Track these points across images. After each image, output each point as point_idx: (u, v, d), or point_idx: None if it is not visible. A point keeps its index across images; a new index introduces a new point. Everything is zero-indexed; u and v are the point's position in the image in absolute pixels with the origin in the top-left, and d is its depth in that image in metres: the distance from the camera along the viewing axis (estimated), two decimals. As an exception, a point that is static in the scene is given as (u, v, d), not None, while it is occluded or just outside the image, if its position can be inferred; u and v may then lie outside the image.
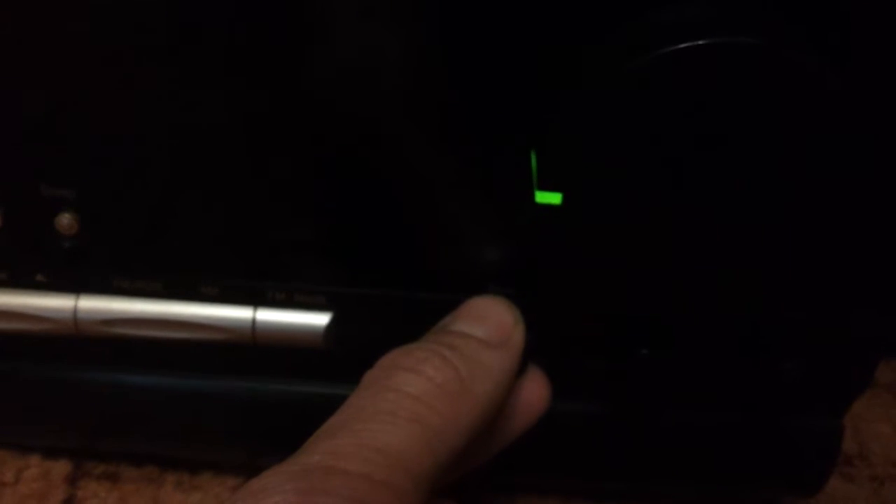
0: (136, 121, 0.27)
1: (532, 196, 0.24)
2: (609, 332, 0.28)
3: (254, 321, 0.29)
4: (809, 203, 0.25)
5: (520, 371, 0.27)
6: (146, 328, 0.30)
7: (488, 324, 0.26)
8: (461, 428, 0.23)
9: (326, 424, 0.23)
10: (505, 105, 0.24)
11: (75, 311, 0.30)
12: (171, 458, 0.37)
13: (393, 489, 0.21)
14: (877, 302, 0.29)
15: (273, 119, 0.26)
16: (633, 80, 0.22)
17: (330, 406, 0.32)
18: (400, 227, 0.28)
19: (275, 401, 0.33)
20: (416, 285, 0.29)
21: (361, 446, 0.21)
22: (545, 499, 0.36)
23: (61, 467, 0.36)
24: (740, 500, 0.36)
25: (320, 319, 0.29)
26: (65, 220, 0.28)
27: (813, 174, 0.24)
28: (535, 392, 0.28)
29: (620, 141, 0.23)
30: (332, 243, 0.28)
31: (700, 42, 0.22)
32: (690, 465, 0.32)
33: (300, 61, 0.25)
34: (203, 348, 0.30)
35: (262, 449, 0.33)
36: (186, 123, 0.27)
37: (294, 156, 0.27)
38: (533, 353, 0.27)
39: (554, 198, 0.23)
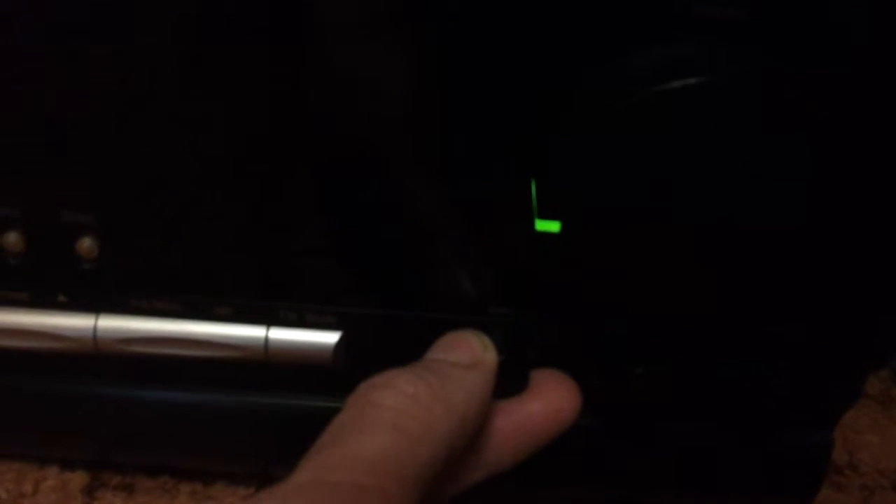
0: (153, 148, 0.28)
1: (532, 224, 0.25)
2: (605, 352, 0.29)
3: (266, 340, 0.31)
4: (797, 224, 0.26)
5: (520, 387, 0.29)
6: (163, 346, 0.31)
7: (458, 350, 0.28)
8: (439, 432, 0.24)
9: (314, 445, 0.24)
10: (505, 138, 0.26)
11: (95, 330, 0.31)
12: (185, 469, 0.38)
13: (380, 492, 0.22)
14: (864, 316, 0.30)
15: (286, 145, 0.27)
16: (624, 116, 0.24)
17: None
18: (406, 252, 0.29)
19: (286, 414, 0.34)
20: (421, 306, 0.30)
21: (346, 457, 0.23)
22: (546, 507, 0.37)
23: (78, 479, 0.38)
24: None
25: (330, 338, 0.31)
26: (85, 243, 0.29)
27: (801, 199, 0.26)
28: (554, 401, 0.29)
29: (616, 173, 0.24)
30: (341, 265, 0.30)
31: (687, 81, 0.23)
32: (685, 477, 0.33)
33: (311, 90, 0.26)
34: (217, 364, 0.32)
35: (274, 460, 0.34)
36: (202, 149, 0.28)
37: (305, 182, 0.28)
38: (529, 370, 0.29)
39: (553, 226, 0.25)
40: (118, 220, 0.29)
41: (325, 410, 0.33)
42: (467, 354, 0.28)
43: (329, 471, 0.22)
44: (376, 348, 0.31)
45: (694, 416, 0.31)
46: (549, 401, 0.29)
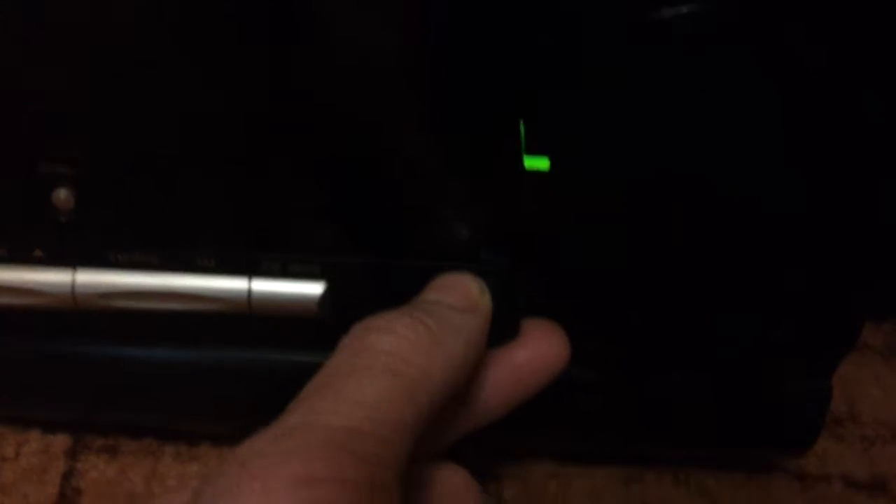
0: (131, 96, 0.27)
1: (521, 162, 0.24)
2: (599, 298, 0.28)
3: (249, 291, 0.30)
4: (795, 166, 0.25)
5: (511, 335, 0.28)
6: (143, 300, 0.30)
7: (454, 293, 0.27)
8: (437, 380, 0.24)
9: (305, 388, 0.23)
10: (493, 74, 0.25)
11: (73, 285, 0.30)
12: (169, 431, 0.37)
13: (376, 438, 0.21)
14: (861, 264, 0.29)
15: (266, 91, 0.26)
16: (614, 47, 0.23)
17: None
18: (393, 197, 0.28)
19: (271, 370, 0.33)
20: (409, 253, 0.29)
21: (340, 401, 0.22)
22: (540, 462, 0.36)
23: (61, 441, 0.37)
24: (734, 460, 0.36)
25: (315, 289, 0.30)
26: (61, 195, 0.28)
27: (797, 143, 0.25)
28: (544, 350, 0.29)
29: (606, 105, 0.23)
30: (325, 213, 0.29)
31: (679, 10, 0.22)
32: (682, 428, 0.32)
33: (289, 39, 0.25)
34: (199, 319, 0.31)
35: (260, 419, 0.33)
36: (180, 97, 0.27)
37: (287, 128, 0.27)
38: (523, 317, 0.28)
39: (542, 163, 0.24)
40: (95, 171, 0.28)
41: (312, 366, 0.33)
42: (465, 298, 0.27)
43: (322, 414, 0.22)
44: (362, 298, 0.30)
45: (690, 366, 0.30)
46: (539, 349, 0.29)
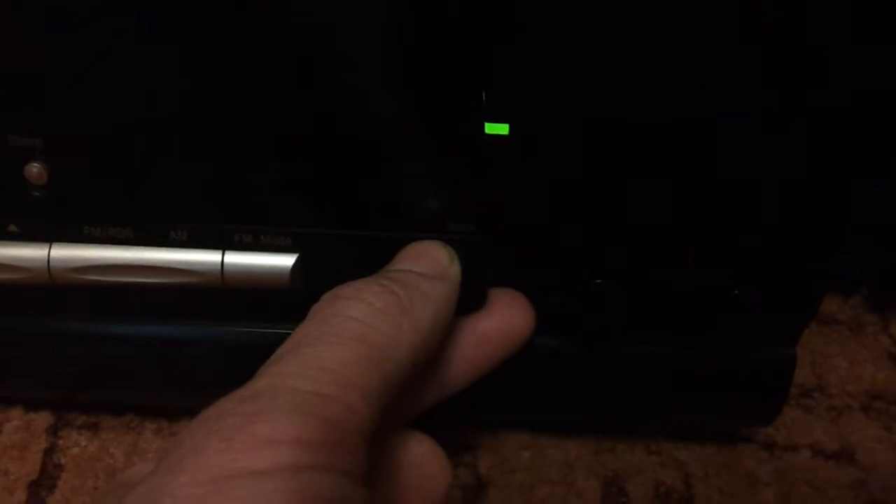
0: (101, 68, 0.27)
1: (482, 128, 0.24)
2: (564, 264, 0.29)
3: (222, 264, 0.30)
4: (755, 130, 0.26)
5: (478, 304, 0.29)
6: (118, 274, 0.31)
7: (424, 260, 0.28)
8: (404, 347, 0.24)
9: (275, 354, 0.24)
10: (452, 43, 0.25)
11: (48, 259, 0.30)
12: (150, 407, 0.38)
13: (342, 403, 0.21)
14: (822, 232, 0.30)
15: (236, 66, 0.27)
16: (572, 9, 0.23)
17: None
18: (359, 168, 0.28)
19: (247, 345, 0.34)
20: (379, 225, 0.30)
21: (308, 366, 0.22)
22: (514, 434, 0.37)
23: (43, 419, 0.37)
24: (702, 429, 0.37)
25: (286, 261, 0.30)
26: (34, 169, 0.29)
27: (757, 107, 0.25)
28: (510, 319, 0.29)
29: (564, 71, 0.24)
30: (296, 186, 0.29)
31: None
32: (647, 397, 0.33)
33: (256, 12, 0.26)
34: (177, 295, 0.31)
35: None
36: (150, 70, 0.27)
37: (255, 100, 0.28)
38: (490, 286, 0.28)
39: (502, 128, 0.24)
40: (66, 144, 0.29)
41: (286, 338, 0.33)
42: (434, 266, 0.27)
43: (289, 378, 0.22)
44: (334, 269, 0.30)
45: (654, 334, 0.31)
46: (505, 318, 0.29)
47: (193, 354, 0.34)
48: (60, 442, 0.37)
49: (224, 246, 0.30)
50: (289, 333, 0.33)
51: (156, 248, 0.31)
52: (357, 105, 0.27)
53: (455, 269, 0.28)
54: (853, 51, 0.25)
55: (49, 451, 0.36)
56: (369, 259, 0.30)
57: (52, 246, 0.31)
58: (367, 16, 0.25)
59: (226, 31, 0.26)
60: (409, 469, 0.27)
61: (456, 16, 0.25)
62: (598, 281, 0.29)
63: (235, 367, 0.34)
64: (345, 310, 0.24)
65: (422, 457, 0.28)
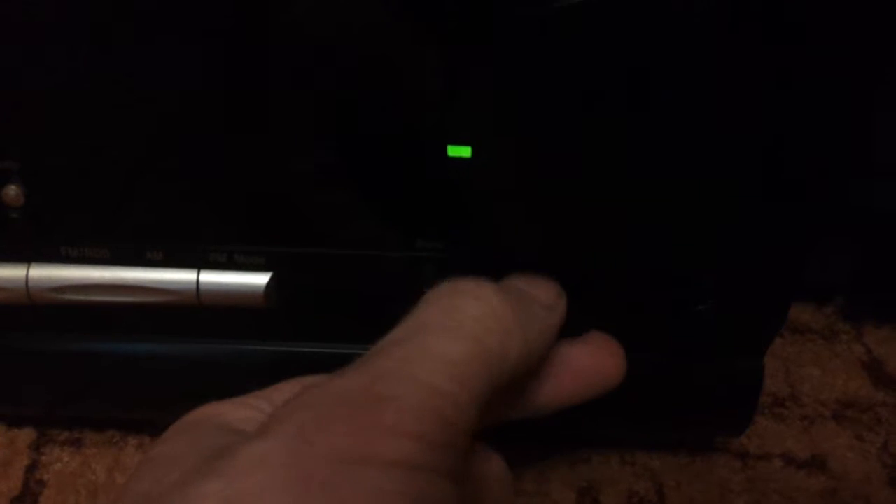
0: (77, 91, 0.28)
1: (444, 150, 0.25)
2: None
3: (198, 283, 0.31)
4: (714, 147, 0.26)
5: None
6: (96, 294, 0.31)
7: (540, 288, 0.28)
8: (512, 357, 0.24)
9: (393, 334, 0.24)
10: (414, 67, 0.26)
11: (27, 279, 0.31)
12: (132, 422, 0.38)
13: (456, 402, 0.21)
14: (788, 242, 0.30)
15: (209, 88, 0.27)
16: (531, 33, 0.24)
17: (281, 363, 0.33)
18: (330, 189, 0.29)
19: (228, 360, 0.34)
20: (350, 243, 0.30)
21: (427, 356, 0.22)
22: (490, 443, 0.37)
23: (26, 435, 0.38)
24: (675, 440, 0.37)
25: (261, 279, 0.31)
26: (11, 192, 0.29)
27: (715, 119, 0.26)
28: (603, 361, 0.30)
29: (525, 93, 0.24)
30: (268, 206, 0.30)
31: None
32: (617, 410, 0.33)
33: (224, 38, 0.26)
34: (157, 312, 0.32)
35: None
36: (126, 93, 0.28)
37: (227, 122, 0.28)
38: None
39: (464, 151, 0.25)
40: (43, 167, 0.29)
41: (269, 354, 0.34)
42: (549, 294, 0.28)
43: (414, 365, 0.22)
44: (308, 287, 0.31)
45: (626, 346, 0.31)
46: (597, 359, 0.29)
47: (174, 370, 0.35)
48: (43, 458, 0.37)
49: (199, 265, 0.31)
50: (265, 349, 0.34)
51: (132, 268, 0.31)
52: (325, 127, 0.28)
53: (563, 303, 0.28)
54: (806, 60, 0.26)
55: (31, 468, 0.37)
56: (342, 277, 0.31)
57: (31, 266, 0.31)
58: (333, 40, 0.26)
59: (198, 57, 0.27)
60: (482, 483, 0.27)
61: (420, 40, 0.25)
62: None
63: (217, 382, 0.35)
64: (465, 306, 0.24)
65: (495, 472, 0.28)
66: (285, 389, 0.26)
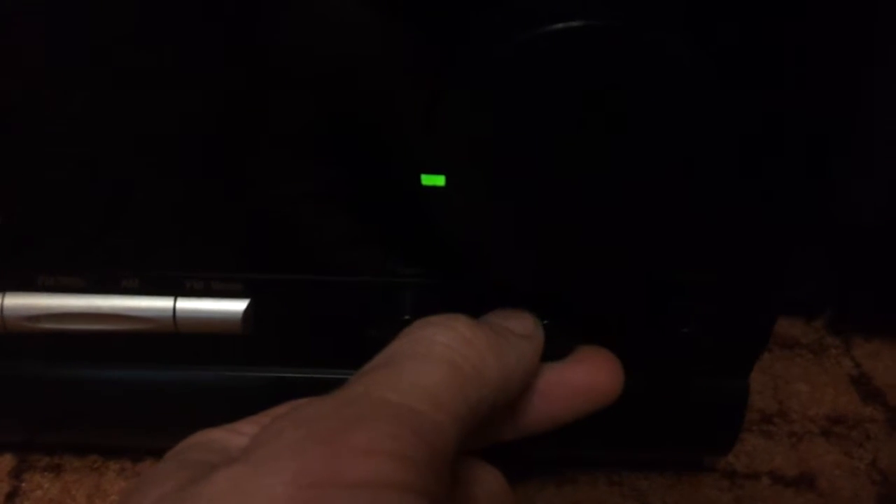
0: (48, 120, 0.27)
1: (418, 180, 0.25)
2: (509, 303, 0.29)
3: (174, 310, 0.30)
4: (688, 173, 0.26)
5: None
6: (71, 322, 0.31)
7: (514, 320, 0.28)
8: (489, 381, 0.24)
9: (366, 366, 0.24)
10: (392, 97, 0.25)
11: (2, 308, 0.31)
12: (113, 448, 0.38)
13: (433, 422, 0.22)
14: (769, 263, 0.30)
15: (183, 115, 0.27)
16: (505, 63, 0.23)
17: (261, 389, 0.33)
18: (307, 215, 0.29)
19: (208, 386, 0.34)
20: (329, 269, 0.30)
21: (402, 380, 0.22)
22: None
23: (6, 462, 0.37)
24: (665, 461, 0.37)
25: (238, 306, 0.30)
26: (-16, 221, 0.29)
27: (688, 146, 0.26)
28: (598, 376, 0.29)
29: (500, 122, 0.24)
30: (246, 232, 0.30)
31: (564, 25, 0.23)
32: (601, 430, 0.33)
33: (203, 69, 0.26)
34: (136, 339, 0.31)
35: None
36: (97, 122, 0.27)
37: (204, 150, 0.28)
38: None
39: (438, 180, 0.24)
40: (16, 195, 0.29)
41: (248, 380, 0.34)
42: (523, 325, 0.28)
43: (386, 389, 0.22)
44: (286, 314, 0.31)
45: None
46: (592, 374, 0.29)
47: (154, 397, 0.35)
48: (24, 485, 0.37)
49: (176, 293, 0.30)
50: (249, 376, 0.34)
51: (109, 296, 0.31)
52: (302, 155, 0.27)
53: (540, 333, 0.28)
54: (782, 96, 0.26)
55: (11, 496, 0.36)
56: (322, 303, 0.31)
57: (6, 295, 0.31)
58: (308, 69, 0.26)
59: (168, 81, 0.26)
60: (479, 500, 0.27)
61: (394, 69, 0.25)
62: (545, 321, 0.29)
63: (197, 408, 0.35)
64: (435, 334, 0.25)
65: (494, 488, 0.27)
66: (278, 413, 0.25)
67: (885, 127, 0.37)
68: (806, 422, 0.39)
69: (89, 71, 0.26)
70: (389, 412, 0.21)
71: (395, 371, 0.23)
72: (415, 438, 0.21)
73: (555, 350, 0.29)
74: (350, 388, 0.22)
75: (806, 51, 0.26)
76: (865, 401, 0.41)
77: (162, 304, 0.31)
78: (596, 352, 0.30)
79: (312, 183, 0.28)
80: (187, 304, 0.31)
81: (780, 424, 0.39)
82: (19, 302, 0.31)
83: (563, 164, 0.25)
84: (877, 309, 0.44)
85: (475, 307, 0.29)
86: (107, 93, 0.27)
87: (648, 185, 0.26)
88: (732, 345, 0.31)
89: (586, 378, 0.29)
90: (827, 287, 0.45)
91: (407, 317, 0.30)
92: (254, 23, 0.25)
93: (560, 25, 0.24)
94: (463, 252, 0.26)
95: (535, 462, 0.37)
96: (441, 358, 0.23)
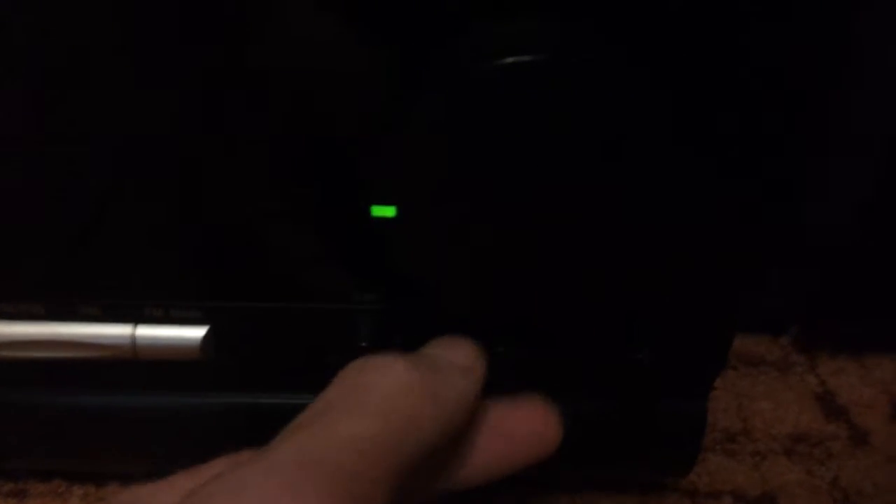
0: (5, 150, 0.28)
1: (368, 210, 0.25)
2: (466, 333, 0.29)
3: (133, 338, 0.30)
4: (642, 198, 0.26)
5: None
6: (31, 350, 0.31)
7: (455, 350, 0.28)
8: (426, 430, 0.24)
9: (299, 418, 0.23)
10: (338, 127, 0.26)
11: (-39, 336, 0.31)
12: (77, 472, 0.38)
13: (368, 479, 0.21)
14: (723, 288, 0.30)
15: (139, 142, 0.27)
16: (455, 95, 0.24)
17: (221, 414, 0.33)
18: (263, 243, 0.29)
19: (168, 412, 0.34)
20: (287, 297, 0.30)
21: (333, 437, 0.22)
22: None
23: (-30, 488, 0.37)
24: (622, 482, 0.37)
25: (197, 333, 0.31)
26: (-59, 250, 0.29)
27: (641, 176, 0.26)
28: (536, 426, 0.29)
29: (451, 153, 0.24)
30: (204, 260, 0.30)
31: (514, 59, 0.24)
32: (562, 453, 0.33)
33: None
34: (96, 366, 0.32)
35: (165, 458, 0.34)
36: (55, 149, 0.28)
37: (159, 180, 0.28)
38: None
39: (388, 211, 0.25)
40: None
41: (208, 406, 0.34)
42: (465, 357, 0.27)
43: (315, 449, 0.22)
44: (245, 341, 0.31)
45: (562, 392, 0.31)
46: (537, 426, 0.29)
47: (117, 423, 0.35)
48: (-13, 511, 0.37)
49: (135, 320, 0.31)
50: (212, 402, 0.34)
51: (67, 323, 0.31)
52: (255, 184, 0.28)
53: (482, 365, 0.28)
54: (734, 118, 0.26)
55: (-25, 522, 0.36)
56: (279, 330, 0.31)
57: (-35, 323, 0.31)
58: (261, 99, 0.26)
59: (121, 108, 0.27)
60: None
61: (342, 102, 0.25)
62: (500, 349, 0.29)
63: (158, 434, 0.35)
64: (371, 383, 0.24)
65: None
66: (217, 466, 0.26)
67: (844, 146, 0.38)
68: (769, 440, 0.40)
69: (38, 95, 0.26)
70: (322, 476, 0.21)
71: (328, 426, 0.23)
72: (349, 499, 0.21)
73: (507, 379, 0.30)
74: (282, 449, 0.22)
75: (756, 73, 0.26)
76: (829, 418, 0.41)
77: (121, 331, 0.31)
78: (534, 399, 0.30)
79: (268, 210, 0.28)
80: (146, 331, 0.31)
81: (744, 443, 0.40)
82: (-22, 330, 0.31)
83: (514, 196, 0.25)
84: (843, 326, 0.45)
85: (430, 334, 0.29)
86: (60, 119, 0.27)
87: (599, 214, 0.26)
88: (688, 369, 0.32)
89: (527, 427, 0.29)
90: (794, 304, 0.45)
91: (364, 344, 0.30)
92: (204, 48, 0.25)
93: (510, 59, 0.24)
94: (414, 281, 0.27)
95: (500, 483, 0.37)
96: (376, 411, 0.23)
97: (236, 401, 0.33)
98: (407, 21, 0.24)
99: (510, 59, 0.24)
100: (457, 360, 0.27)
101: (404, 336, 0.30)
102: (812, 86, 0.27)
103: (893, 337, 0.44)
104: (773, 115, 0.27)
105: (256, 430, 0.24)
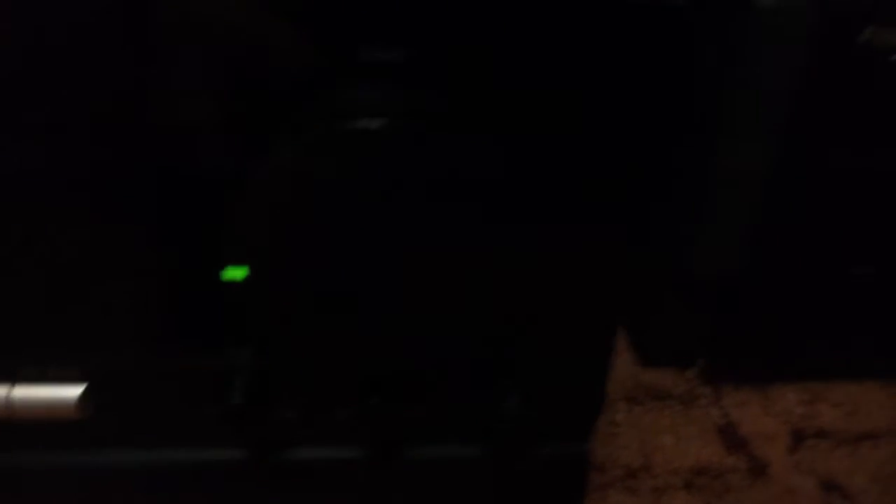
0: None
1: (219, 274, 0.25)
2: (339, 385, 0.29)
3: (8, 399, 0.30)
4: (492, 256, 0.27)
5: None
6: None
7: None
8: None
9: None
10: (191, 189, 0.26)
11: None
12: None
13: None
14: (596, 335, 0.31)
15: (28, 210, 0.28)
16: (302, 159, 0.24)
17: (100, 471, 0.33)
18: (131, 301, 0.29)
19: (50, 470, 0.34)
20: (160, 353, 0.30)
21: None
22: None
23: None
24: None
25: (73, 391, 0.31)
26: None
27: (510, 219, 0.26)
28: None
29: (301, 213, 0.25)
30: (80, 322, 0.30)
31: (363, 125, 0.24)
32: (446, 496, 0.33)
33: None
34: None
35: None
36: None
37: (32, 244, 0.28)
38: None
39: (240, 273, 0.25)
40: None
41: (87, 463, 0.34)
42: None
43: None
44: (123, 396, 0.31)
45: (442, 439, 0.31)
46: None
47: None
48: None
49: (12, 380, 0.31)
50: (89, 459, 0.34)
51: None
52: (119, 247, 0.28)
53: None
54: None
55: None
56: (156, 385, 0.31)
57: None
58: (123, 158, 0.26)
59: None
60: None
61: (196, 167, 0.26)
62: (375, 399, 0.29)
63: (44, 492, 0.35)
64: None
65: None
66: None
67: (717, 187, 0.39)
68: (669, 475, 0.40)
69: None
70: None
71: None
72: None
73: (383, 430, 0.30)
74: None
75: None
76: (729, 450, 0.41)
77: (-3, 392, 0.31)
78: None
79: (129, 271, 0.28)
80: (23, 392, 0.31)
81: (644, 479, 0.40)
82: None
83: (366, 252, 0.26)
84: (748, 358, 0.45)
85: (304, 390, 0.30)
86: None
87: (454, 269, 0.27)
88: (565, 413, 0.32)
89: None
90: (700, 336, 0.46)
91: (237, 402, 0.30)
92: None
93: (359, 124, 0.24)
94: (273, 340, 0.27)
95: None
96: None
97: (116, 458, 0.33)
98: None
99: (358, 125, 0.25)
100: None
101: (273, 393, 0.30)
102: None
103: (797, 368, 0.45)
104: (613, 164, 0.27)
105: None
